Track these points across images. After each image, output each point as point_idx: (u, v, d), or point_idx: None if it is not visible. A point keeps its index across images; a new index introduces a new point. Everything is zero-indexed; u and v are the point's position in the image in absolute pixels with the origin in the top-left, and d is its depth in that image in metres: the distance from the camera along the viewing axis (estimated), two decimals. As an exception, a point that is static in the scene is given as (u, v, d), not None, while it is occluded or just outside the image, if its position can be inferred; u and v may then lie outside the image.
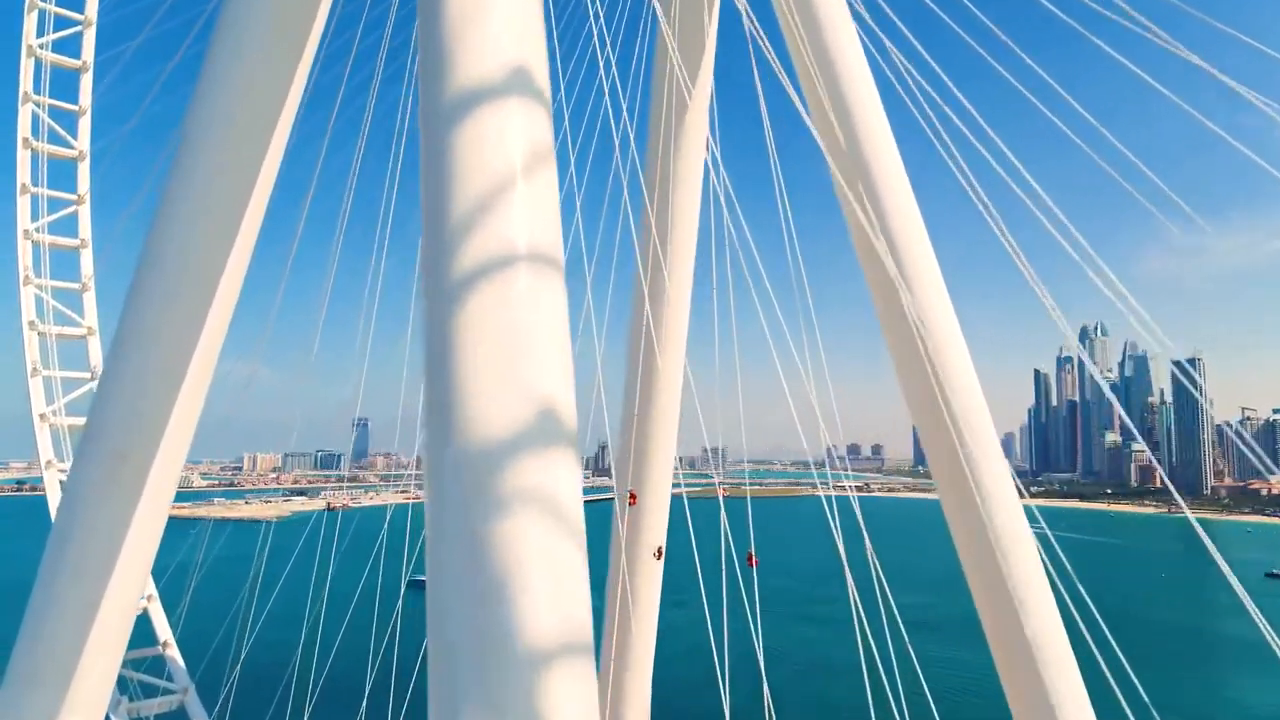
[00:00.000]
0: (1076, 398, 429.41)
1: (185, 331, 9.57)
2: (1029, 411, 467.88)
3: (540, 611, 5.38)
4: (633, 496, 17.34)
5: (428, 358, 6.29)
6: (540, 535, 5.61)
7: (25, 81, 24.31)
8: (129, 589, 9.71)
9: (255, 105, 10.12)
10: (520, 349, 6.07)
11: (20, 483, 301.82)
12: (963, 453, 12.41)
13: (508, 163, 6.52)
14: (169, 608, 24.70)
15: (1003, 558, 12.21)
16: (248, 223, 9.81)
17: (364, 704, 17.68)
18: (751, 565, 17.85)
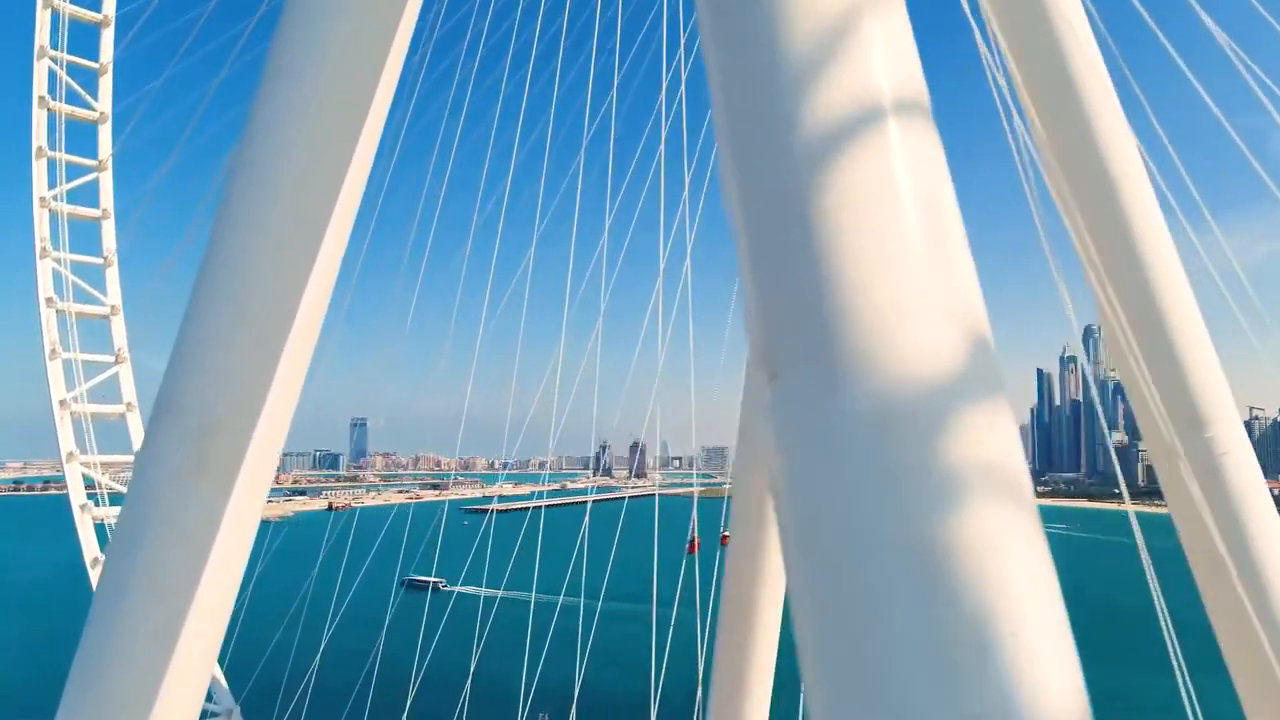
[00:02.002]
0: (1080, 397, 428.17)
1: (291, 272, 7.32)
2: (1031, 411, 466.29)
3: (1049, 683, 3.14)
4: (724, 538, 14.45)
5: (758, 259, 4.06)
6: (1021, 547, 3.39)
7: (41, 35, 22.03)
8: (220, 604, 7.44)
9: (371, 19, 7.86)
10: (911, 234, 3.85)
11: (18, 482, 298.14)
12: (1206, 449, 10.22)
13: None
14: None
15: (1260, 570, 10.03)
16: (371, 123, 7.55)
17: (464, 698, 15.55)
18: None
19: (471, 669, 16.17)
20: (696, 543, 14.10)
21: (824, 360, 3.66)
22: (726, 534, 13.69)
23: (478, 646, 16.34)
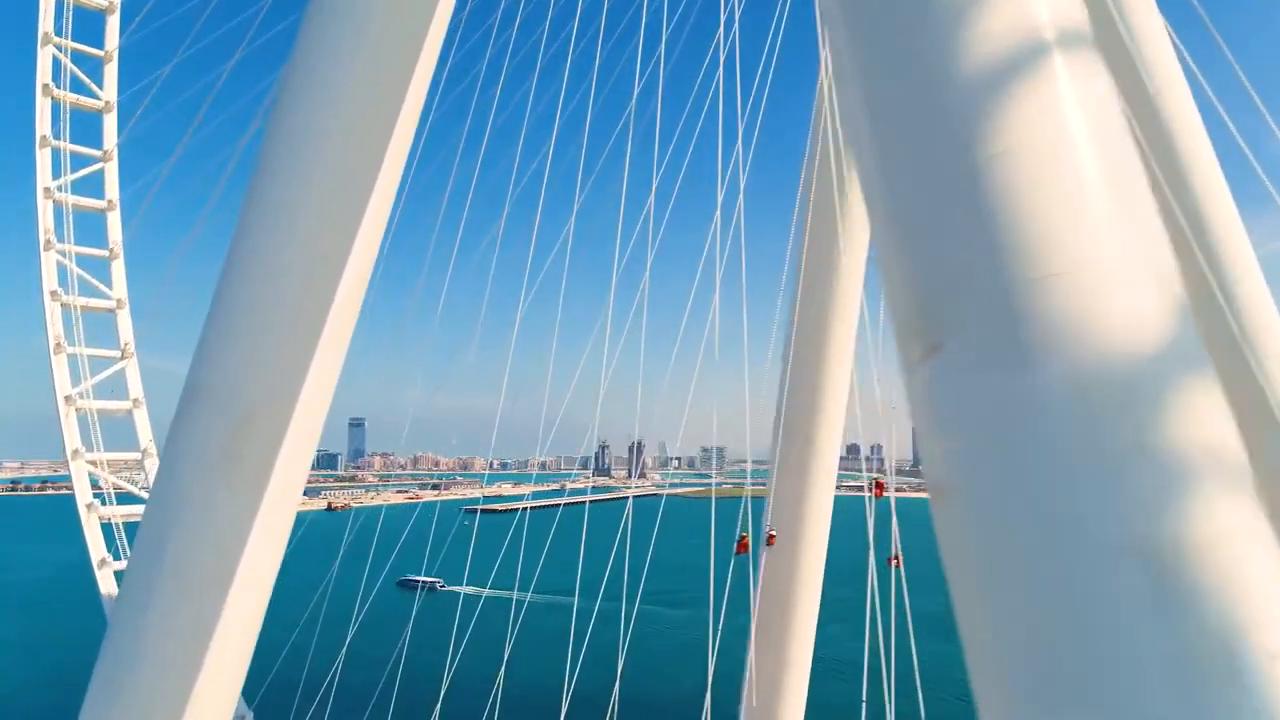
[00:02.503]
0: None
1: (330, 249, 6.78)
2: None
3: None
4: (771, 537, 13.87)
5: (908, 215, 3.54)
6: (1253, 544, 2.87)
7: (45, 21, 21.45)
8: (253, 605, 6.90)
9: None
10: (1094, 181, 3.33)
11: (15, 482, 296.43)
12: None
13: None
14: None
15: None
16: (413, 93, 7.01)
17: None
18: (892, 566, 14.86)
19: (501, 668, 15.61)
20: (746, 541, 13.60)
21: (1004, 326, 3.12)
22: (773, 533, 13.25)
23: (508, 645, 15.75)
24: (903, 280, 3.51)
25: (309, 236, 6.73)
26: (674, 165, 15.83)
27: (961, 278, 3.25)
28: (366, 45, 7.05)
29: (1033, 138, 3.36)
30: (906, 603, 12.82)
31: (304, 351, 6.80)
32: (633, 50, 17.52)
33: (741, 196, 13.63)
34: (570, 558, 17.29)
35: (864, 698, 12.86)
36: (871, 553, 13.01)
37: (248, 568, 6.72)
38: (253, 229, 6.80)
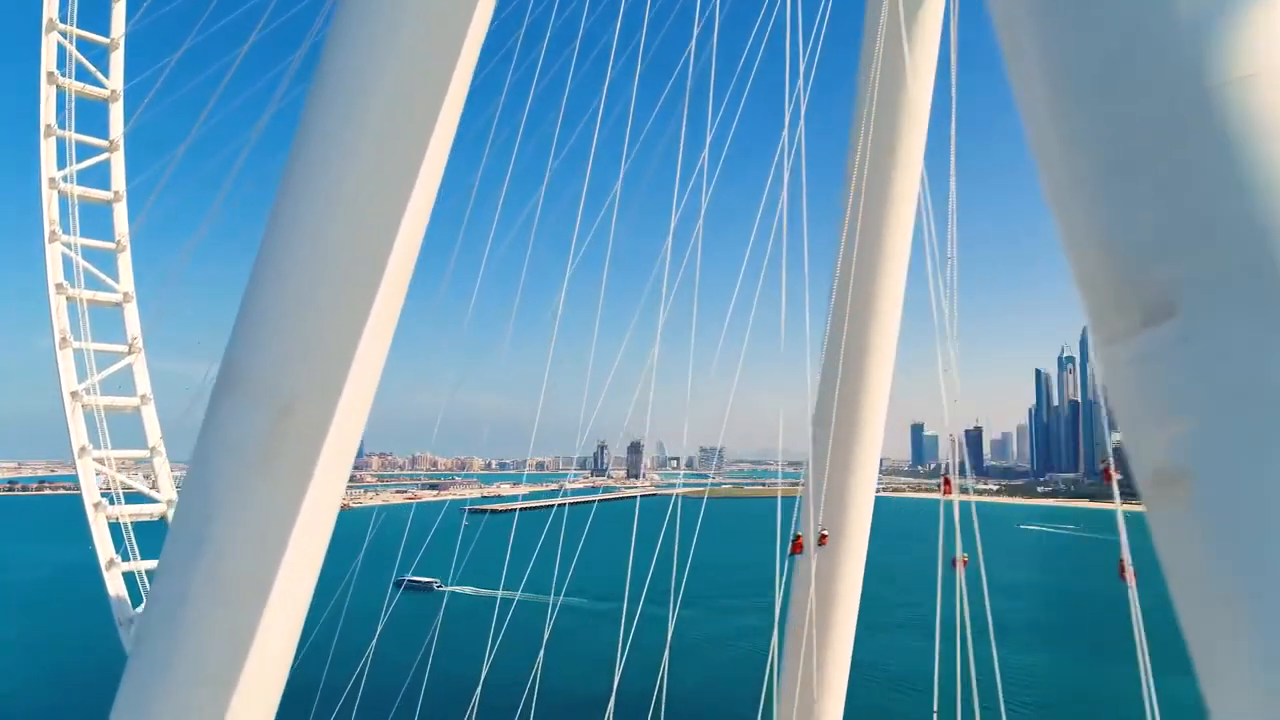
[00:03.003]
0: (1079, 398, 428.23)
1: (376, 228, 6.24)
2: (1029, 411, 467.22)
3: None
4: (823, 537, 13.34)
5: (1119, 159, 3.00)
6: None
7: (50, 7, 20.89)
8: (293, 610, 6.36)
9: None
10: None
11: (12, 482, 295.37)
12: None
13: None
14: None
15: None
16: (467, 54, 6.47)
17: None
18: (956, 568, 14.28)
19: (538, 667, 15.08)
20: (800, 541, 13.13)
21: (1267, 279, 2.60)
22: (825, 532, 12.77)
23: (543, 648, 15.20)
24: (1110, 240, 2.98)
25: (355, 212, 6.19)
26: (707, 171, 15.27)
27: (1206, 226, 2.72)
28: (409, 22, 6.54)
29: (1270, 65, 2.85)
30: (987, 606, 12.31)
31: (349, 336, 6.25)
32: (666, 31, 17.01)
33: (796, 154, 13.07)
34: (569, 558, 16.76)
35: (935, 708, 12.42)
36: (942, 552, 12.51)
37: (288, 572, 6.17)
38: (293, 204, 6.26)
